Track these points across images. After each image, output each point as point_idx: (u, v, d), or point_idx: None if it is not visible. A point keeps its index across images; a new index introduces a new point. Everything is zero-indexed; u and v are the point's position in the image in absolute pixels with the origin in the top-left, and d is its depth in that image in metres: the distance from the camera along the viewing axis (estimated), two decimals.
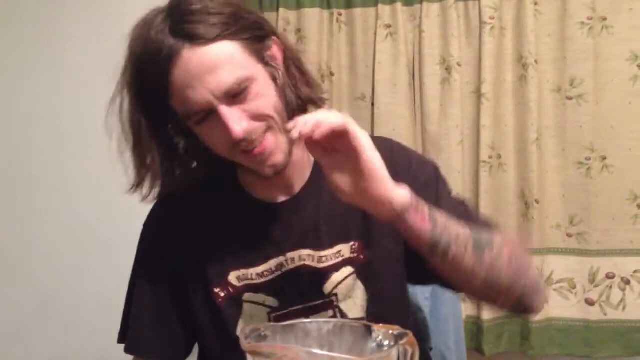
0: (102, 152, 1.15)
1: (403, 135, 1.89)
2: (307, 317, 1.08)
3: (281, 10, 1.94)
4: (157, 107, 1.06)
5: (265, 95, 1.02)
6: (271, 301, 1.10)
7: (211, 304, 1.10)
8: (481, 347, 1.88)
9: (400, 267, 1.15)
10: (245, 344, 0.72)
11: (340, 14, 1.93)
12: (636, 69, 1.84)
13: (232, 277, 1.10)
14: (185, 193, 1.14)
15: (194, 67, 0.98)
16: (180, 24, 0.99)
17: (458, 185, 1.88)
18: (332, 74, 1.95)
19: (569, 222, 1.89)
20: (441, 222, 0.95)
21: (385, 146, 1.08)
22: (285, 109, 1.06)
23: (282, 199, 1.13)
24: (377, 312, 1.10)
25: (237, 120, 0.99)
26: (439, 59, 1.89)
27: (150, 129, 1.09)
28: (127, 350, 1.18)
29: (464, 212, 1.11)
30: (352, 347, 0.78)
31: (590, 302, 1.88)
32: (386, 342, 0.75)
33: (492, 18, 1.87)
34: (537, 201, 1.85)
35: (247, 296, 1.10)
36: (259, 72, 1.02)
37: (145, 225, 1.25)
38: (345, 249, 1.13)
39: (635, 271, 1.86)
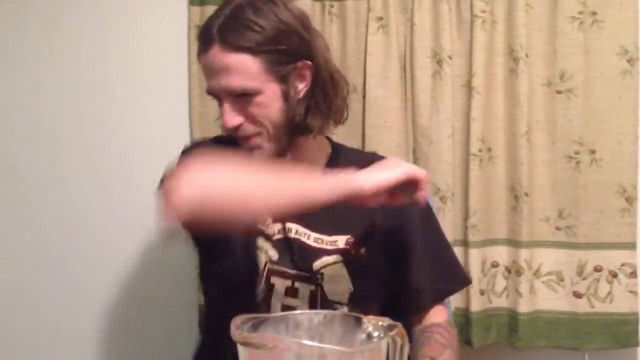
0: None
1: (394, 127, 1.89)
2: (293, 283, 1.25)
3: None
4: None
5: (267, 108, 1.21)
6: (272, 254, 1.25)
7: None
8: (469, 339, 1.89)
9: (384, 273, 1.31)
10: (236, 335, 0.72)
11: (332, 6, 1.93)
12: (626, 63, 1.84)
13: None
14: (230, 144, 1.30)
15: (215, 63, 1.19)
16: (226, 23, 1.19)
17: (448, 178, 1.88)
18: None
19: (557, 215, 1.90)
20: None
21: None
22: (286, 123, 1.24)
23: None
24: (357, 303, 1.21)
25: (231, 115, 1.21)
26: (430, 52, 1.90)
27: None
28: None
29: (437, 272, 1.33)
30: (342, 338, 0.79)
31: (578, 295, 1.89)
32: (376, 334, 0.76)
33: (483, 11, 1.87)
34: (526, 194, 1.86)
35: (259, 242, 1.27)
36: (270, 88, 1.21)
37: (193, 147, 1.41)
38: (341, 240, 1.28)
39: (622, 264, 1.87)
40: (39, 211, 2.06)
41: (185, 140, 2.03)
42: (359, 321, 0.79)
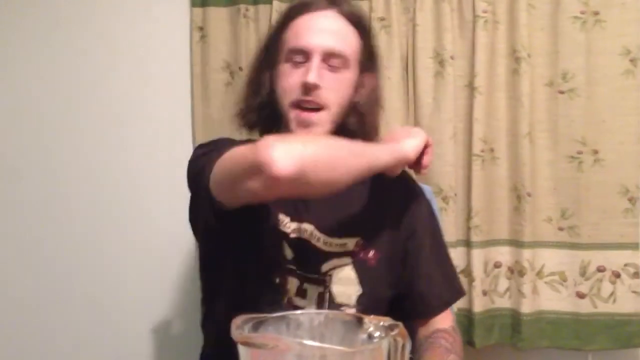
0: None
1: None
2: (302, 283, 1.24)
3: (275, 3, 1.94)
4: (272, 42, 1.31)
5: (344, 89, 1.26)
6: (288, 252, 1.25)
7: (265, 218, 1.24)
8: (472, 339, 1.89)
9: (392, 276, 1.31)
10: (236, 335, 0.72)
11: None
12: (628, 63, 1.84)
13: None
14: None
15: (328, 24, 1.25)
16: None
17: (450, 178, 1.88)
18: None
19: (560, 215, 1.89)
20: None
21: (407, 173, 1.39)
22: (342, 113, 1.27)
23: None
24: (365, 307, 1.20)
25: (318, 72, 1.22)
26: (432, 53, 1.90)
27: (257, 71, 1.34)
28: None
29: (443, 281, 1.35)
30: (343, 338, 0.79)
31: (580, 295, 1.89)
32: (377, 334, 0.76)
33: (485, 12, 1.87)
34: (529, 194, 1.86)
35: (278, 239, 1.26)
36: (354, 72, 1.28)
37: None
38: (350, 243, 1.28)
39: (625, 264, 1.87)
40: (40, 211, 2.06)
41: (187, 142, 2.03)
42: (360, 321, 0.78)
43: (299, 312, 0.81)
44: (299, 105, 1.23)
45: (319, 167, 0.99)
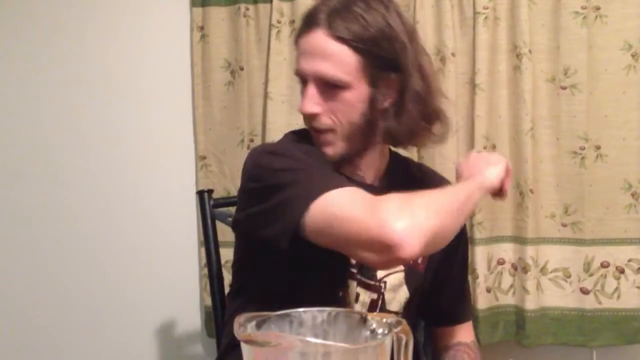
0: None
1: None
2: (358, 288, 1.22)
3: (275, 2, 1.94)
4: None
5: (350, 107, 1.17)
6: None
7: None
8: (476, 336, 1.88)
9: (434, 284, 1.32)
10: (239, 332, 0.72)
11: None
12: (630, 58, 1.84)
13: None
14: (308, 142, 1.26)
15: (316, 45, 1.16)
16: (338, 11, 1.15)
17: (453, 175, 1.87)
18: None
19: (563, 211, 1.89)
20: None
21: (445, 178, 1.42)
22: (364, 128, 1.19)
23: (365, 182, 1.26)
24: (410, 312, 1.27)
25: (312, 101, 1.17)
26: (433, 50, 1.89)
27: None
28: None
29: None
30: (347, 335, 0.78)
31: (585, 291, 1.89)
32: (380, 330, 0.75)
33: (486, 8, 1.87)
34: (531, 191, 1.85)
35: None
36: (360, 88, 1.16)
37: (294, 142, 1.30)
38: None
39: (629, 260, 1.86)
40: (41, 212, 2.07)
41: (188, 141, 2.03)
42: (363, 318, 0.78)
43: (301, 309, 0.80)
44: (311, 127, 1.22)
45: (441, 236, 1.00)
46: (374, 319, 0.77)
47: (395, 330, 0.74)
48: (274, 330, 0.77)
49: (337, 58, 1.15)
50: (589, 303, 1.88)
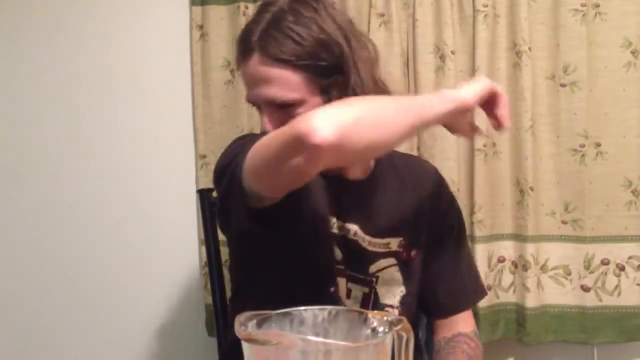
0: None
1: None
2: (346, 284, 1.23)
3: None
4: None
5: None
6: (337, 253, 1.22)
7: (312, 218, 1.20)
8: None
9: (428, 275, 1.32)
10: (240, 331, 0.72)
11: (334, 3, 1.92)
12: (630, 55, 1.84)
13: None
14: None
15: (256, 74, 1.15)
16: (268, 32, 1.14)
17: (453, 173, 1.88)
18: None
19: (563, 209, 1.89)
20: None
21: (431, 166, 1.41)
22: None
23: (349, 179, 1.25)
24: (407, 306, 1.21)
25: (271, 124, 1.16)
26: (432, 48, 1.89)
27: None
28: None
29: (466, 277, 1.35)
30: (347, 334, 0.79)
31: (585, 289, 1.89)
32: (381, 329, 0.76)
33: (485, 6, 1.87)
34: (531, 188, 1.85)
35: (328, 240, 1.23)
36: (312, 100, 1.15)
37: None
38: (393, 243, 1.27)
39: (630, 257, 1.86)
40: (40, 212, 2.06)
41: (188, 140, 2.04)
42: (363, 316, 0.78)
43: (302, 308, 0.80)
44: None
45: (362, 127, 0.91)
46: (374, 317, 0.77)
47: (396, 328, 0.74)
48: (275, 328, 0.77)
49: (281, 81, 1.14)
50: (589, 300, 1.88)
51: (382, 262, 1.25)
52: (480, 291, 1.42)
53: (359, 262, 1.23)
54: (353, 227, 1.24)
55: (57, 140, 2.06)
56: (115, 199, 2.06)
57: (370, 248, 1.25)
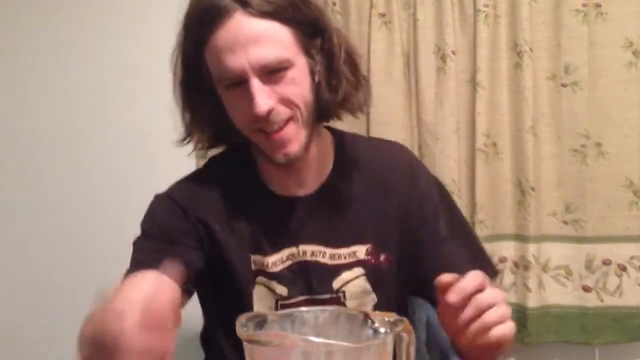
0: None
1: (399, 124, 1.88)
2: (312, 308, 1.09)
3: None
4: (193, 64, 1.11)
5: (300, 85, 1.05)
6: (281, 289, 1.13)
7: (231, 272, 1.13)
8: None
9: (407, 276, 1.19)
10: (241, 332, 0.72)
11: (334, 3, 1.93)
12: (631, 55, 1.84)
13: (250, 261, 1.14)
14: (210, 180, 1.20)
15: (241, 34, 1.00)
16: None
17: (454, 174, 1.88)
18: None
19: (564, 209, 1.89)
20: None
21: (404, 153, 1.25)
22: (316, 105, 1.08)
23: (299, 194, 1.16)
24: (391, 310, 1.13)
25: (264, 97, 1.01)
26: (433, 48, 1.89)
27: (184, 86, 1.19)
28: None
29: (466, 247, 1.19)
30: (349, 335, 0.78)
31: (586, 289, 1.89)
32: (382, 330, 0.75)
33: (486, 6, 1.87)
34: (533, 189, 1.85)
35: (259, 279, 1.14)
36: (300, 61, 1.04)
37: (165, 199, 1.30)
38: (360, 250, 1.16)
39: (631, 257, 1.86)
40: (41, 211, 2.06)
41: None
42: (365, 317, 0.78)
43: (304, 309, 0.80)
44: (261, 130, 1.06)
45: None
46: (376, 318, 0.77)
47: (397, 329, 0.74)
48: (276, 329, 0.77)
49: (272, 37, 1.01)
50: (591, 301, 1.88)
51: (346, 275, 1.14)
52: (487, 267, 1.15)
53: (320, 281, 1.13)
54: (308, 248, 1.14)
55: (54, 141, 2.05)
56: (113, 198, 2.06)
57: (331, 262, 1.14)
